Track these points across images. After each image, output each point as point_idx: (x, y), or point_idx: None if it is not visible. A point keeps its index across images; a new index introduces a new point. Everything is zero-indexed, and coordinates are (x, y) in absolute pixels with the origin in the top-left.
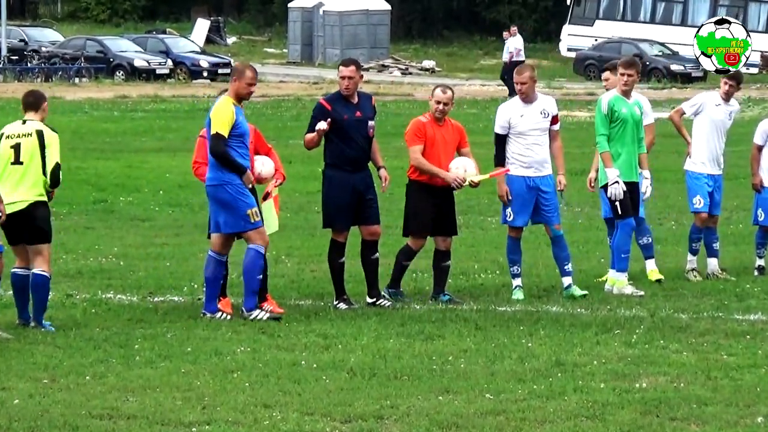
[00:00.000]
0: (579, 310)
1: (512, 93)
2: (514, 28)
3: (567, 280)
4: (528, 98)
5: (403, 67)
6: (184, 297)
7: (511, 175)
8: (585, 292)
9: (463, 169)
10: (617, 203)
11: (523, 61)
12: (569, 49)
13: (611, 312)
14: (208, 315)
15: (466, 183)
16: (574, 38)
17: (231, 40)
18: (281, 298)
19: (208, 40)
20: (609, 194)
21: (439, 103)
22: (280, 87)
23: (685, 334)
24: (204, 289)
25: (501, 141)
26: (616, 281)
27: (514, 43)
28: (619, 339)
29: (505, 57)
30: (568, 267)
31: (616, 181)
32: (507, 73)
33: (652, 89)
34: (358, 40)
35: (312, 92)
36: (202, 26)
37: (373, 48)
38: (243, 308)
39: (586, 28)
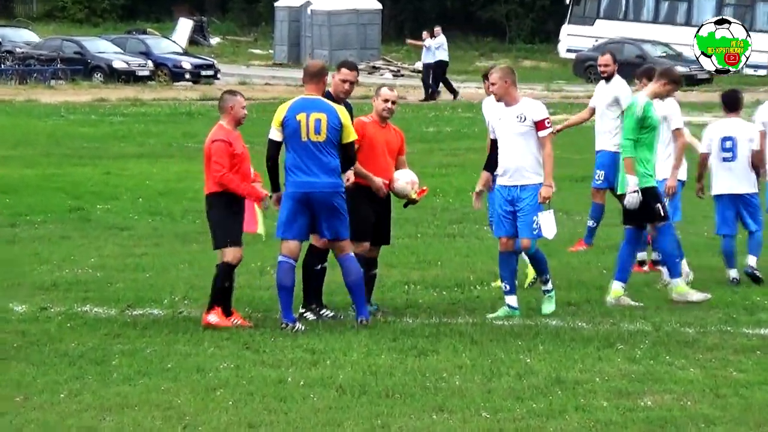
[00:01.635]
0: (580, 323)
1: (426, 96)
2: (437, 29)
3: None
4: (503, 101)
5: (395, 68)
6: (164, 310)
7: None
8: (550, 309)
9: (410, 184)
10: (659, 205)
11: (447, 63)
12: (569, 50)
13: (614, 326)
14: (289, 325)
15: (412, 195)
16: (573, 38)
17: (214, 40)
18: (267, 311)
19: (191, 41)
20: (626, 203)
21: (386, 101)
22: (266, 90)
23: (691, 349)
24: (279, 298)
25: (492, 144)
26: (676, 287)
27: (435, 44)
28: (622, 354)
29: (426, 59)
30: (545, 287)
31: (636, 191)
32: (426, 74)
33: None
34: (347, 41)
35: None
36: (184, 26)
37: (363, 49)
38: (361, 317)
39: (586, 28)
